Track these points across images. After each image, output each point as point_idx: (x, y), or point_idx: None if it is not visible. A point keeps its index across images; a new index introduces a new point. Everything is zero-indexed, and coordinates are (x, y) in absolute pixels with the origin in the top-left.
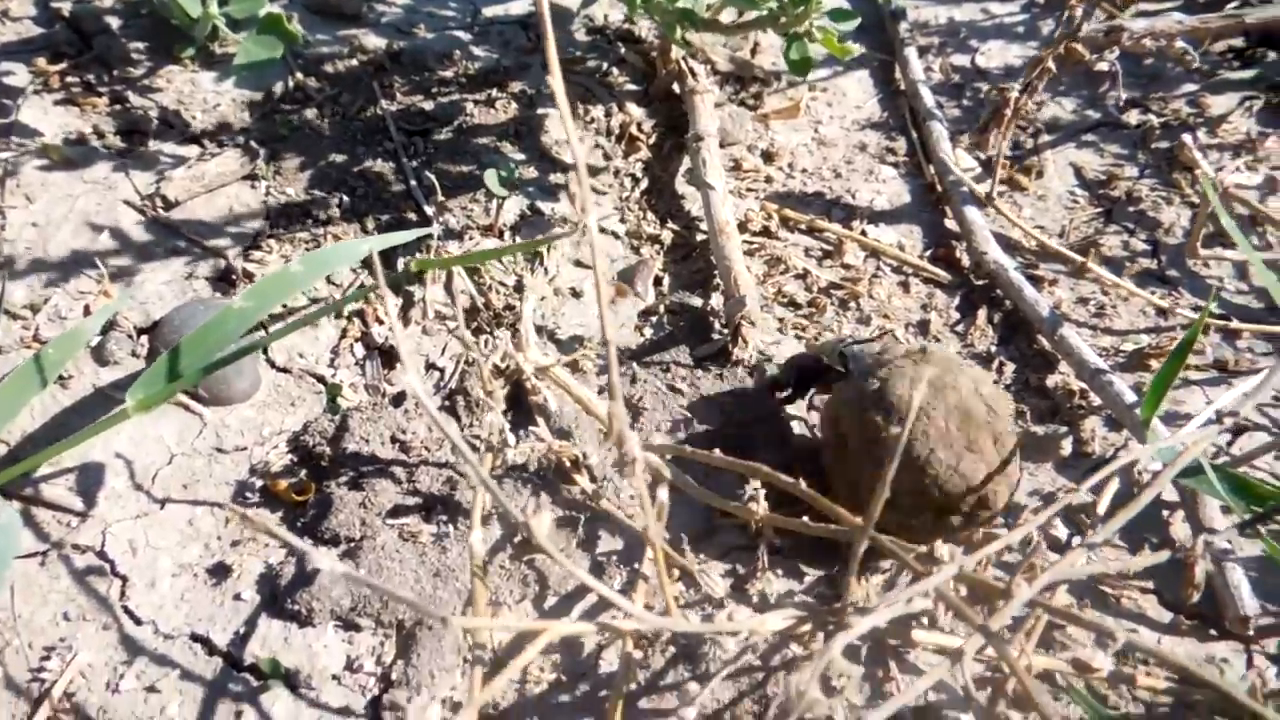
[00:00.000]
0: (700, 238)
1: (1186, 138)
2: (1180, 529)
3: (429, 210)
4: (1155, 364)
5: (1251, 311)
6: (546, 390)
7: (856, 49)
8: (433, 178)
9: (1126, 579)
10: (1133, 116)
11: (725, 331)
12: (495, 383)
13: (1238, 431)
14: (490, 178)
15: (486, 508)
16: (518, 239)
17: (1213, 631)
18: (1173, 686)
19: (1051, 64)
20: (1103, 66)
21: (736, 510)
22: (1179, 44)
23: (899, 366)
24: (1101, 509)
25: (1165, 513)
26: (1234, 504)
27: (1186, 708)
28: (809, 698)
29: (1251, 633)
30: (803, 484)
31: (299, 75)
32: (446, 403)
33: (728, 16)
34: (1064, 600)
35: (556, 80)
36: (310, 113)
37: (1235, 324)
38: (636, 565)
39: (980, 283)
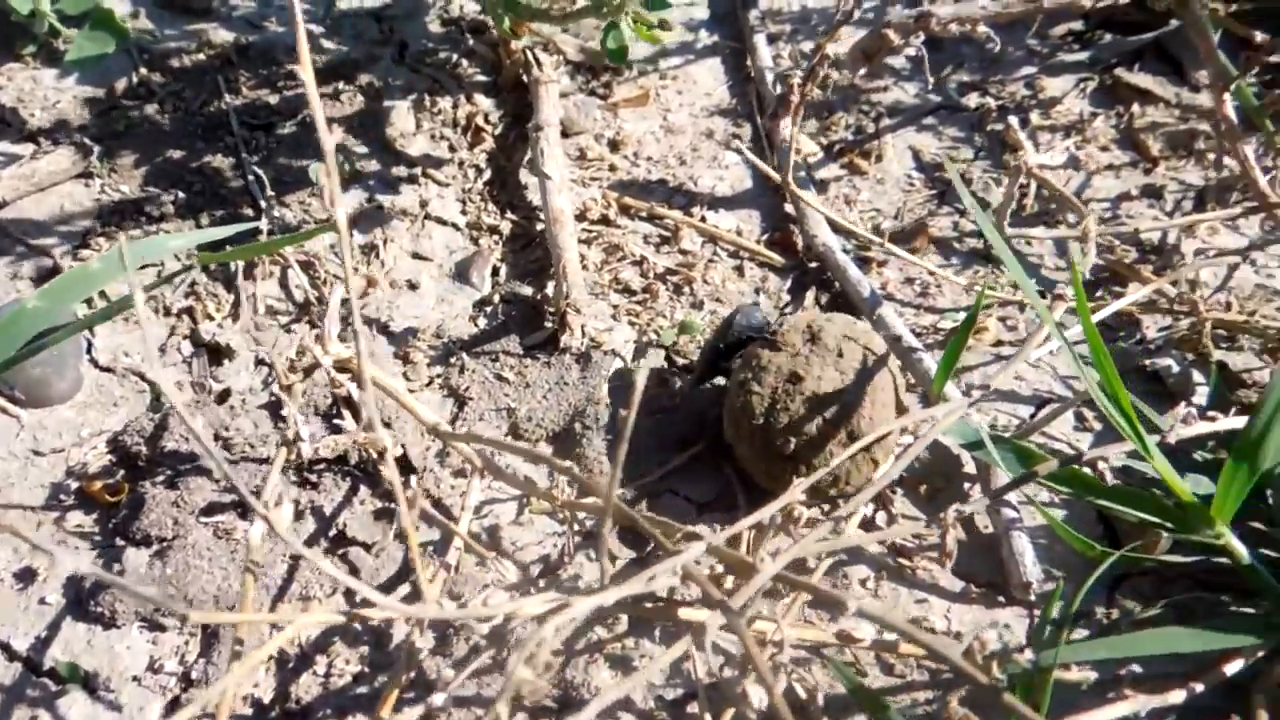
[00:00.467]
0: (541, 227)
1: (1012, 120)
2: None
3: (262, 205)
4: (971, 340)
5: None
6: (350, 384)
7: (667, 37)
8: (261, 173)
9: (922, 551)
10: (972, 100)
11: (554, 321)
12: (294, 377)
13: (1041, 404)
14: (316, 171)
15: (303, 503)
16: (355, 232)
17: (1000, 599)
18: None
19: (830, 50)
20: (910, 52)
21: (544, 495)
22: (981, 29)
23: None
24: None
25: (966, 485)
26: (1009, 471)
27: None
28: (518, 677)
29: (1033, 598)
30: (575, 468)
31: (143, 71)
32: (272, 398)
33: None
34: (862, 574)
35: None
36: (151, 109)
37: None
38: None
39: (813, 265)
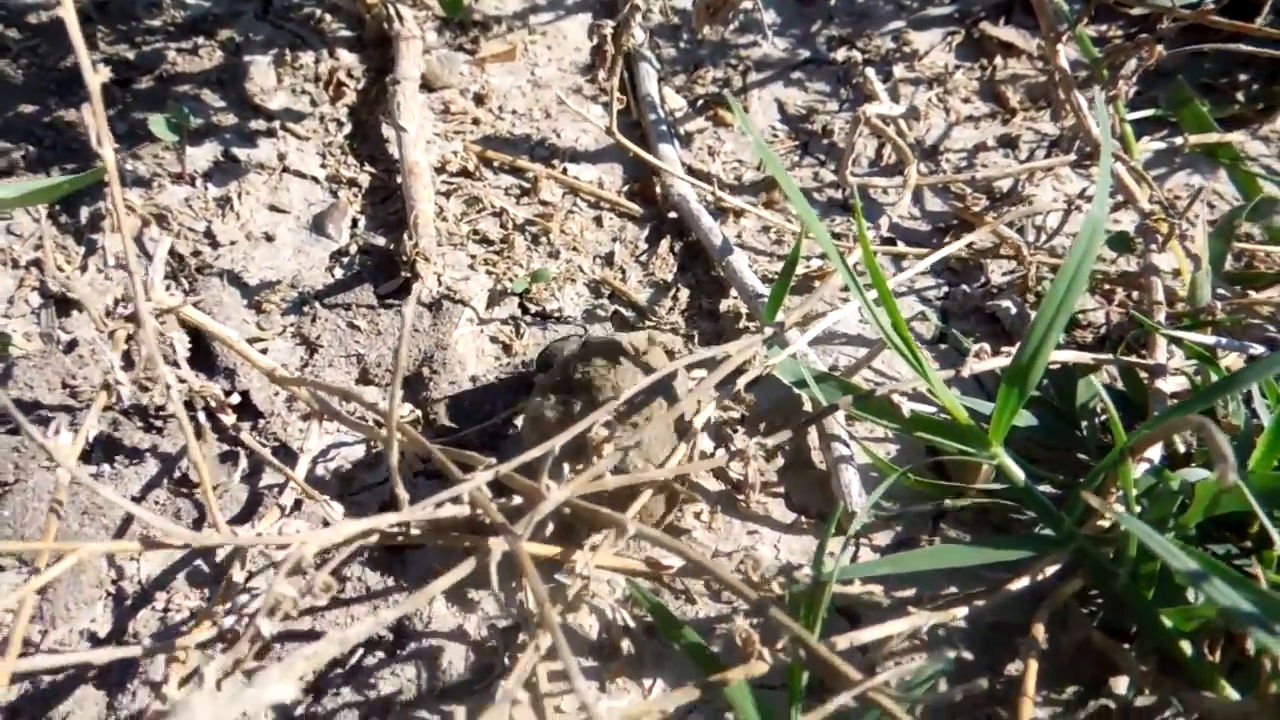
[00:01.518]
0: (400, 180)
1: (870, 72)
2: (813, 438)
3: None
4: (816, 284)
5: (919, 235)
6: (177, 333)
7: None
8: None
9: (759, 487)
10: (840, 54)
11: (406, 270)
12: (113, 324)
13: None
14: (157, 124)
15: (145, 447)
16: (209, 186)
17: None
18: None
19: (640, 1)
20: (747, 5)
21: (375, 435)
22: None
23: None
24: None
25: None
26: (827, 399)
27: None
28: (277, 591)
29: (856, 528)
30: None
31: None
32: (121, 349)
33: None
34: (697, 510)
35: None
36: (3, 63)
37: (901, 248)
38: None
39: (671, 216)
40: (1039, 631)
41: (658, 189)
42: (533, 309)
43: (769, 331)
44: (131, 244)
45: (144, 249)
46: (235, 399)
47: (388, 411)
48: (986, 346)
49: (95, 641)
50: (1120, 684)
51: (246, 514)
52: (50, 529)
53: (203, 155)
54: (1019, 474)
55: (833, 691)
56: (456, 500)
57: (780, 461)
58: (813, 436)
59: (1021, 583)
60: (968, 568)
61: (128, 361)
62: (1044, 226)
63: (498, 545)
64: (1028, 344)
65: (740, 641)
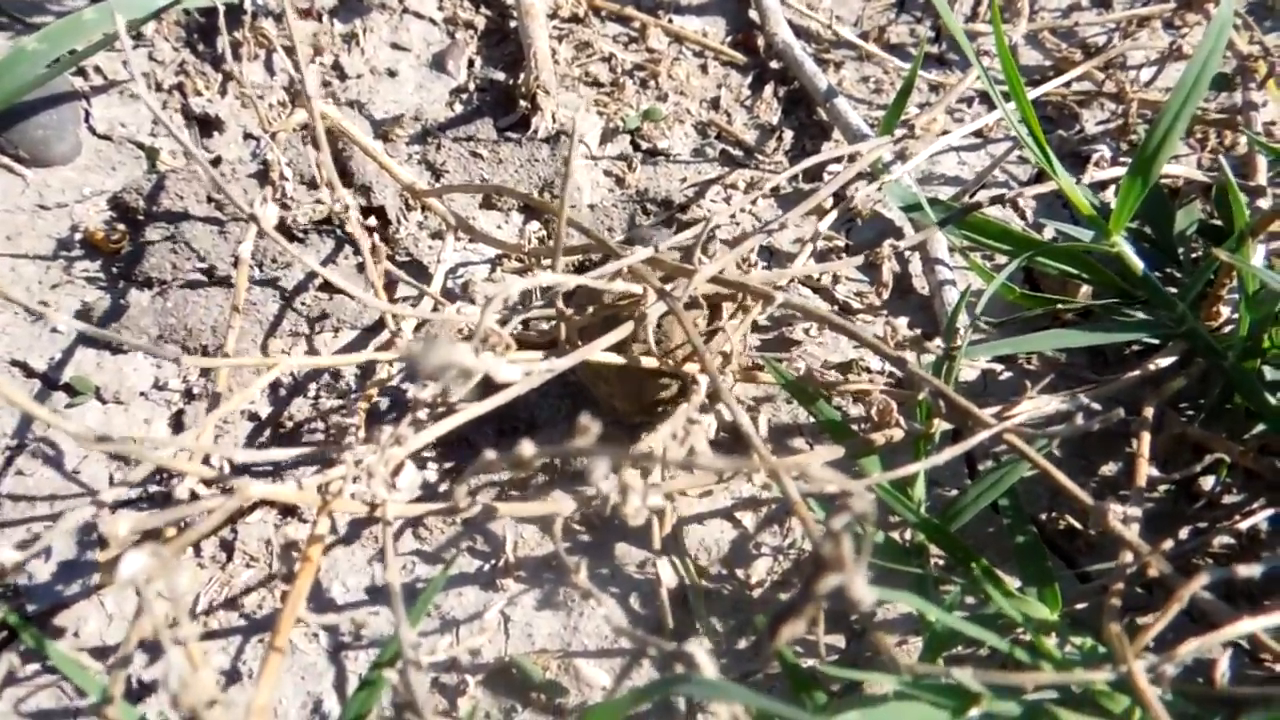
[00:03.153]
0: (514, 24)
1: None
2: (916, 265)
3: None
4: (921, 130)
5: None
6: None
7: None
8: None
9: (862, 311)
10: None
11: (526, 104)
12: (283, 121)
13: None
14: None
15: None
16: (335, 22)
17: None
18: (889, 390)
19: None
20: None
21: (511, 248)
22: None
23: None
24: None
25: (907, 252)
26: (933, 219)
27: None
28: (485, 324)
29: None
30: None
31: None
32: (260, 167)
33: None
34: (805, 325)
35: None
36: None
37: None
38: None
39: (773, 64)
40: (1148, 412)
41: (760, 40)
42: (644, 145)
43: (892, 138)
44: (288, 59)
45: (277, 78)
46: (372, 220)
47: (561, 197)
48: (1106, 153)
49: (257, 423)
50: (1208, 482)
51: (380, 324)
52: (236, 322)
53: None
54: (1138, 262)
55: (965, 437)
56: (616, 275)
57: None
58: (914, 265)
59: (1134, 374)
60: (1074, 373)
61: (265, 181)
62: (1138, 79)
63: (655, 310)
64: (1154, 134)
65: (878, 412)
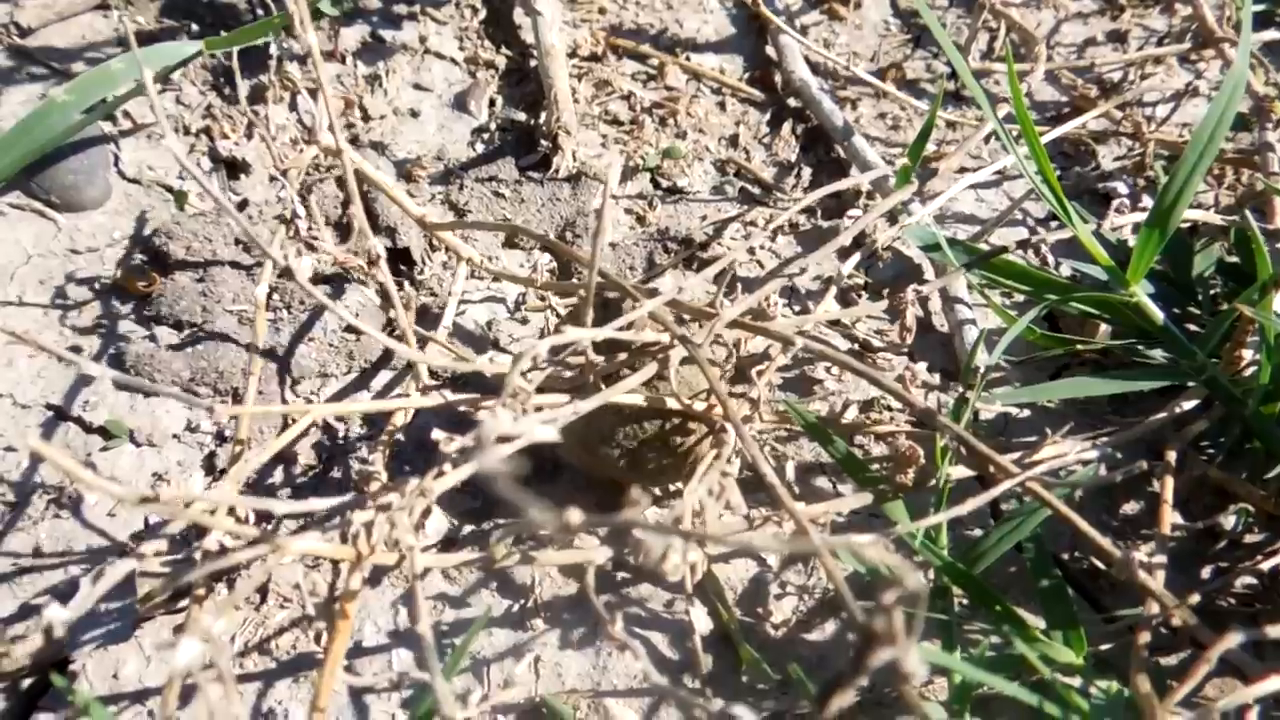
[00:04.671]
0: (534, 63)
1: None
2: (935, 302)
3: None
4: (935, 164)
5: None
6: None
7: None
8: (272, 4)
9: (883, 350)
10: None
11: (547, 143)
12: (289, 160)
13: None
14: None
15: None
16: (359, 64)
17: (953, 384)
18: (911, 429)
19: None
20: None
21: (528, 282)
22: None
23: None
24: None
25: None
26: (953, 261)
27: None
28: (514, 382)
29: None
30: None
31: None
32: (286, 210)
33: None
34: (826, 366)
35: None
36: None
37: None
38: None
39: (791, 102)
40: (1171, 455)
41: (777, 77)
42: (664, 184)
43: (914, 184)
44: (311, 99)
45: (301, 120)
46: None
47: (594, 247)
48: (1123, 191)
49: (280, 461)
50: (1229, 522)
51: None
52: (256, 366)
53: (352, 36)
54: (1157, 312)
55: (988, 487)
56: (630, 325)
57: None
58: (934, 302)
59: (1157, 417)
60: (1096, 411)
61: (289, 225)
62: (1154, 116)
63: (676, 354)
64: (1172, 185)
65: (901, 457)
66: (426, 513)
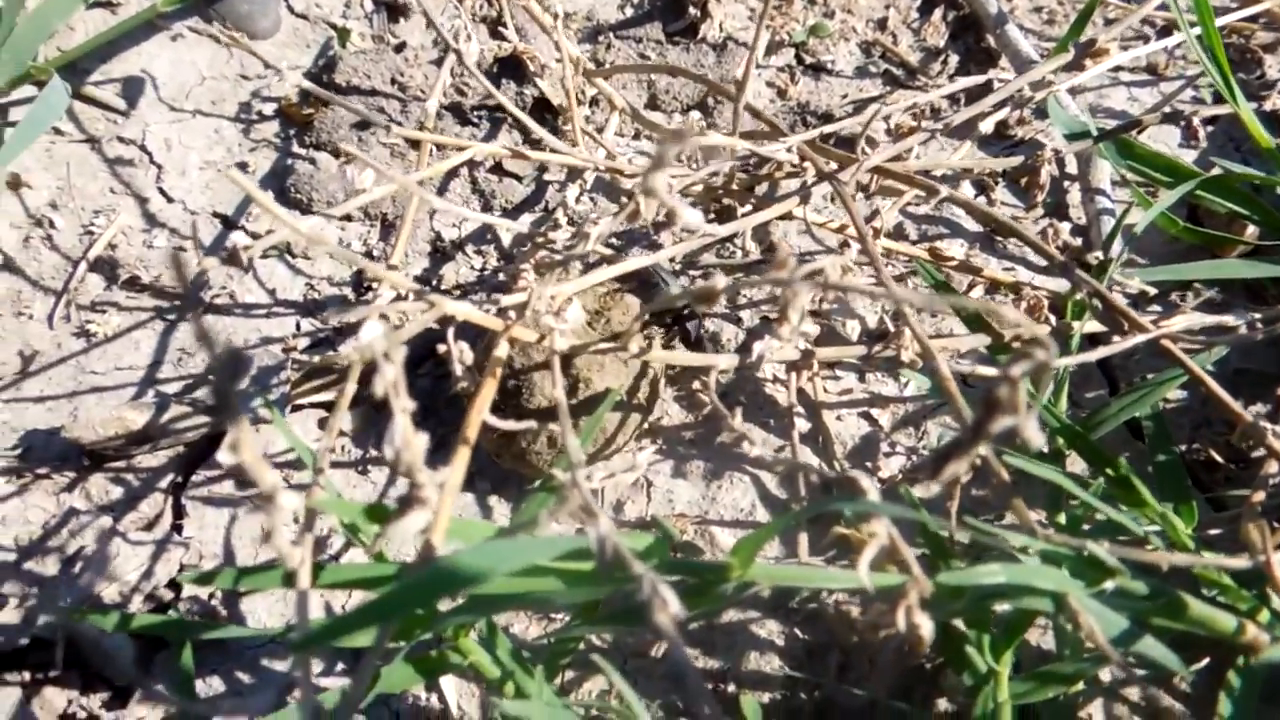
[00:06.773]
0: None
1: None
2: (1074, 195)
3: None
4: (1089, 62)
5: None
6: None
7: None
8: None
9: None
10: None
11: (695, 10)
12: None
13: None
14: None
15: (463, 136)
16: None
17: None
18: (1016, 281)
19: None
20: None
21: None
22: None
23: None
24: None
25: (1066, 183)
26: (1109, 158)
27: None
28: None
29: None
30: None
31: None
32: (441, 53)
33: None
34: (959, 251)
35: None
36: None
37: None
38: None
39: None
40: None
41: None
42: (808, 60)
43: (1070, 103)
44: None
45: None
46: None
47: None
48: None
49: (424, 284)
50: None
51: (535, 201)
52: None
53: None
54: None
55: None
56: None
57: (1039, 211)
58: (1073, 194)
59: None
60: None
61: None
62: None
63: (817, 188)
64: None
65: (1027, 308)
66: (567, 302)
